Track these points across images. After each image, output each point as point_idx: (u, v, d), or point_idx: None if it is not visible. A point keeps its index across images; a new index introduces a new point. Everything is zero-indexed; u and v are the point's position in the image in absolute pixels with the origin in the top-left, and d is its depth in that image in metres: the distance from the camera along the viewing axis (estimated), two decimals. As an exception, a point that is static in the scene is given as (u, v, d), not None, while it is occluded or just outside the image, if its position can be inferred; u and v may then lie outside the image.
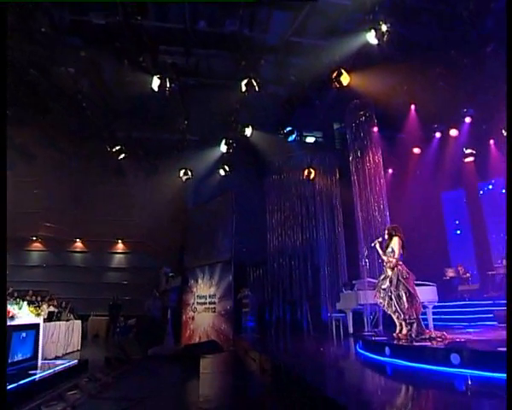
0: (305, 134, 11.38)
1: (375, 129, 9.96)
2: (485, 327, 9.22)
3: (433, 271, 11.03)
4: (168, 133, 11.05)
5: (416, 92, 9.81)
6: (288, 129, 10.75)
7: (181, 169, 12.28)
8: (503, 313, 10.38)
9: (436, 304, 8.99)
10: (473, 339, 5.10)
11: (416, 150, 12.38)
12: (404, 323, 5.13)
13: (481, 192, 13.61)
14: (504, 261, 12.39)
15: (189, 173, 12.40)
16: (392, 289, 5.20)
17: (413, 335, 5.01)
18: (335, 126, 12.49)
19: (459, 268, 12.89)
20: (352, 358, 5.63)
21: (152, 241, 13.78)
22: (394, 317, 5.28)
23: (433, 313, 8.72)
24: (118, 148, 10.61)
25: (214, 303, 10.97)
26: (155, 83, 8.28)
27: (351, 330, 8.74)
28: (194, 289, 11.83)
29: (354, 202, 10.55)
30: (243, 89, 8.49)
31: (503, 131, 11.39)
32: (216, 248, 11.51)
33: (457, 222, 14.14)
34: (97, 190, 12.33)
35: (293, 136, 10.79)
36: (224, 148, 11.07)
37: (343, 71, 8.53)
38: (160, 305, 8.45)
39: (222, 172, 12.50)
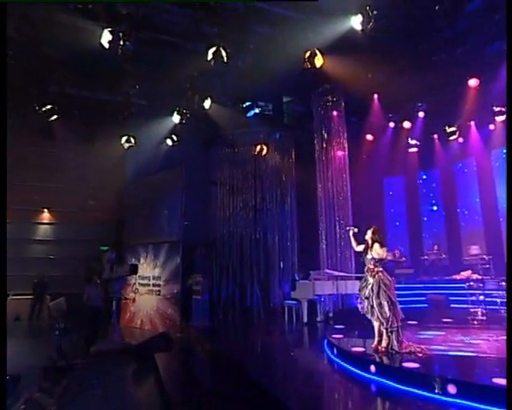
0: (263, 109, 10.70)
1: (341, 113, 9.85)
2: (419, 310, 9.97)
3: None
4: (111, 95, 9.56)
5: (380, 82, 9.70)
6: (248, 103, 10.00)
7: (123, 136, 10.91)
8: (434, 296, 11.39)
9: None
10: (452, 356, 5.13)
11: (369, 137, 12.55)
12: (385, 332, 5.07)
13: (420, 181, 14.43)
14: (436, 247, 13.48)
15: (132, 141, 11.08)
16: (374, 297, 5.08)
17: (394, 348, 4.97)
18: (292, 103, 12.00)
19: (396, 252, 13.67)
20: (328, 369, 5.45)
21: (84, 212, 12.32)
22: (376, 325, 5.20)
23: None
24: (49, 107, 8.87)
25: (159, 286, 10.25)
26: (106, 37, 6.88)
27: (305, 319, 8.75)
28: (136, 269, 10.94)
29: (314, 185, 10.49)
30: (209, 57, 7.51)
31: (446, 128, 12.07)
32: (161, 227, 10.66)
33: (393, 210, 14.89)
34: (20, 151, 10.40)
35: (253, 111, 10.06)
36: (176, 118, 9.96)
37: (318, 52, 7.98)
38: (101, 294, 7.49)
39: (169, 142, 11.39)
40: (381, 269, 5.21)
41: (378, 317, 5.05)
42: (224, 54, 7.44)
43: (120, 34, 6.89)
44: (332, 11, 7.28)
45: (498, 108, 10.53)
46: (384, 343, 5.08)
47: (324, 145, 10.78)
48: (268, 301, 10.44)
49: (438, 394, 4.03)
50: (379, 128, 11.89)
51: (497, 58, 8.55)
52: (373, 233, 5.33)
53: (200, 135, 10.90)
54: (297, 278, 9.88)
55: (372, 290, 5.10)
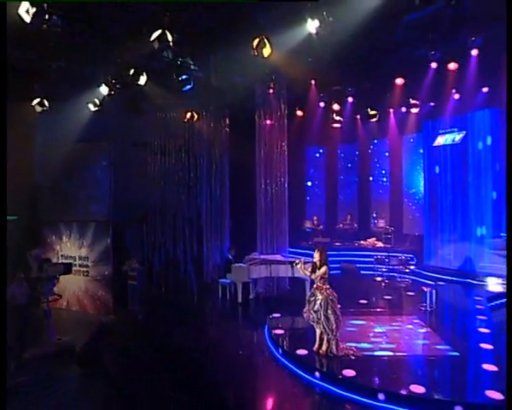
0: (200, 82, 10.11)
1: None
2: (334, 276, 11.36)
3: (293, 220, 12.31)
4: (25, 52, 8.00)
5: (319, 68, 9.87)
6: (184, 77, 9.34)
7: (35, 97, 9.40)
8: (346, 265, 12.93)
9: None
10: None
11: (299, 113, 12.89)
12: (325, 338, 5.83)
13: (342, 155, 15.52)
14: (349, 217, 15.01)
15: (46, 104, 9.62)
16: (322, 311, 5.74)
17: (333, 352, 5.78)
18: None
19: (314, 219, 14.91)
20: (275, 368, 6.11)
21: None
22: (318, 332, 5.92)
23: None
24: None
25: (87, 267, 9.75)
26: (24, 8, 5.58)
27: (239, 299, 9.34)
28: (58, 247, 10.15)
29: (250, 158, 10.67)
30: (152, 38, 6.72)
31: (369, 110, 12.98)
32: (85, 204, 9.90)
33: (317, 182, 15.92)
34: None
35: (189, 86, 9.46)
36: (104, 89, 8.86)
37: (267, 42, 7.72)
38: (27, 292, 6.92)
39: (92, 108, 10.18)
40: (328, 286, 5.84)
41: (324, 327, 5.75)
42: (169, 38, 6.73)
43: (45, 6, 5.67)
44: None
45: (414, 102, 11.64)
46: (324, 347, 5.86)
47: (260, 119, 10.91)
48: (202, 280, 10.73)
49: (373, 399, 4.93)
50: (311, 108, 12.30)
51: (422, 60, 9.38)
52: (320, 255, 5.87)
53: (130, 105, 9.90)
54: (229, 256, 10.27)
55: (321, 306, 5.74)
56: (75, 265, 9.79)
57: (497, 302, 9.00)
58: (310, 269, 6.02)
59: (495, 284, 9.72)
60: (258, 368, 6.24)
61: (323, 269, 5.80)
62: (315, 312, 5.80)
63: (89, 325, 8.41)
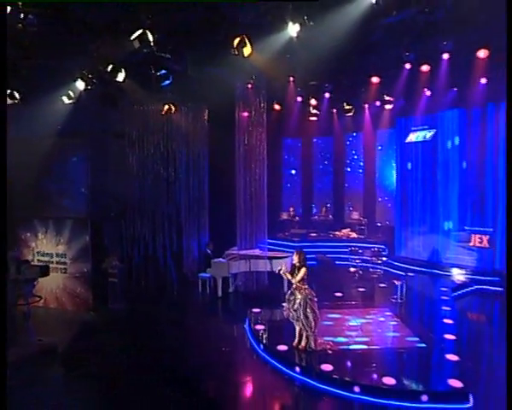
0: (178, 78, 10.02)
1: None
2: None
3: (270, 212, 12.60)
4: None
5: (297, 65, 10.01)
6: (163, 72, 9.24)
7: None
8: (322, 256, 13.37)
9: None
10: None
11: (277, 107, 13.02)
12: (304, 334, 6.17)
13: (318, 147, 15.82)
14: (324, 209, 15.43)
15: (17, 97, 9.29)
16: (302, 310, 6.05)
17: (311, 347, 6.13)
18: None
19: (290, 210, 15.24)
20: (257, 363, 6.40)
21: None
22: (297, 329, 6.25)
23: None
24: None
25: (65, 264, 9.65)
26: None
27: (220, 293, 9.57)
28: (33, 245, 9.96)
29: (228, 152, 10.82)
30: (133, 37, 6.62)
31: (345, 104, 13.27)
32: (62, 201, 9.77)
33: (294, 171, 16.19)
34: None
35: (167, 81, 9.38)
36: (81, 84, 8.64)
37: (247, 41, 7.77)
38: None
39: (66, 100, 9.90)
40: (306, 286, 6.14)
41: (303, 325, 6.08)
42: (150, 38, 6.66)
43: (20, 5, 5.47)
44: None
45: (388, 98, 12.01)
46: (303, 343, 6.21)
47: (239, 113, 11.03)
48: (181, 274, 10.84)
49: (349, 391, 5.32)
50: (289, 102, 12.46)
51: (397, 61, 9.69)
52: (299, 257, 6.17)
53: (107, 99, 9.68)
54: (208, 251, 10.42)
55: (300, 305, 6.05)
56: (52, 262, 9.68)
57: (460, 292, 9.72)
58: (290, 271, 6.29)
59: (459, 275, 10.41)
60: (240, 363, 6.51)
61: (303, 271, 6.08)
62: (294, 310, 6.11)
63: (69, 323, 8.43)
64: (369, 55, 9.39)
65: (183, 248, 11.12)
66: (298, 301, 6.09)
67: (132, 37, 6.73)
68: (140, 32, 6.62)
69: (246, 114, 11.23)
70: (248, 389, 5.93)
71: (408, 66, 9.79)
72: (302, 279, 6.12)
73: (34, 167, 9.59)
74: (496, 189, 10.24)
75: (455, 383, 5.26)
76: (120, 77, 8.27)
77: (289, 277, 6.21)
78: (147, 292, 9.84)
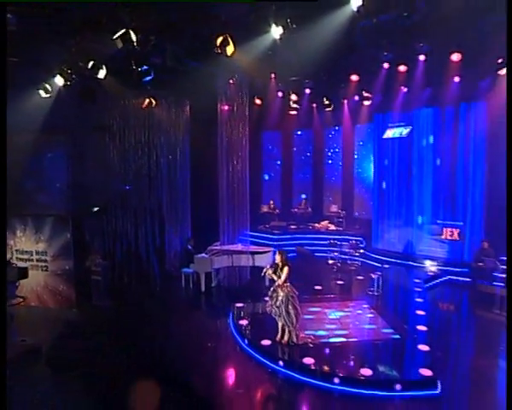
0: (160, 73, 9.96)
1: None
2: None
3: (251, 205, 12.81)
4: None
5: (278, 62, 10.13)
6: (144, 68, 9.18)
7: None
8: (301, 248, 13.72)
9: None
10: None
11: (258, 101, 13.11)
12: (287, 329, 6.47)
13: (298, 141, 16.03)
14: (304, 201, 15.73)
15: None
16: (284, 307, 6.33)
17: (294, 341, 6.44)
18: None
19: (271, 203, 15.47)
20: (242, 358, 6.65)
21: None
22: (280, 324, 6.53)
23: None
24: None
25: (45, 261, 9.57)
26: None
27: (203, 288, 9.74)
28: (11, 243, 9.80)
29: (211, 148, 10.89)
30: (115, 36, 6.56)
31: (324, 100, 13.51)
32: (41, 197, 9.64)
33: (279, 163, 16.36)
34: None
35: (149, 77, 9.33)
36: (60, 80, 8.48)
37: (230, 41, 7.83)
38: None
39: (43, 94, 9.71)
40: (288, 284, 6.41)
41: (285, 320, 6.37)
42: (133, 38, 6.62)
43: None
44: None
45: (366, 94, 12.31)
46: (286, 338, 6.51)
47: (222, 107, 11.12)
48: (164, 270, 10.93)
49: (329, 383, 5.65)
50: (270, 97, 12.59)
51: (376, 61, 9.99)
52: (281, 256, 6.46)
53: (86, 93, 9.51)
54: (189, 247, 10.53)
55: (282, 302, 6.33)
56: (32, 260, 9.60)
57: (432, 283, 10.26)
58: (273, 270, 6.52)
59: (431, 266, 10.96)
60: (226, 358, 6.74)
61: (286, 270, 6.34)
62: (277, 307, 6.38)
63: (52, 321, 8.43)
64: (349, 55, 9.62)
65: (165, 243, 11.19)
66: (280, 298, 6.36)
67: (115, 36, 6.68)
68: (123, 31, 6.57)
69: (227, 107, 11.31)
70: (234, 383, 6.16)
71: (386, 65, 10.12)
72: (285, 278, 6.38)
73: (12, 164, 9.37)
74: (466, 185, 10.80)
75: (425, 372, 5.68)
76: (101, 74, 8.19)
77: (275, 277, 6.44)
78: (130, 289, 9.89)
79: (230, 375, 6.39)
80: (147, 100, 11.50)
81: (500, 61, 9.16)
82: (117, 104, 11.09)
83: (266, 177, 16.38)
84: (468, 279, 9.99)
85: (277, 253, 6.54)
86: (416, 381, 5.63)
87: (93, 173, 10.07)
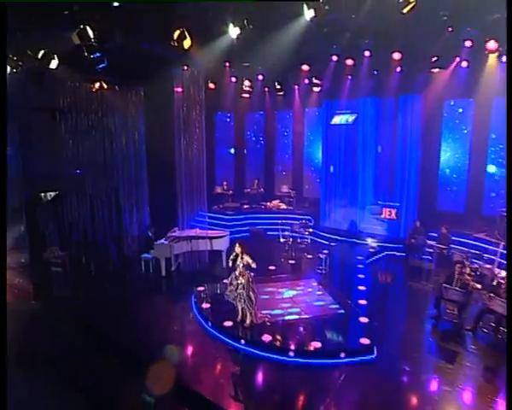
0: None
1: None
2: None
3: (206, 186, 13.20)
4: None
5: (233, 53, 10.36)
6: (97, 55, 8.96)
7: None
8: (255, 228, 14.40)
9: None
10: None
11: (212, 85, 13.26)
12: (248, 312, 7.15)
13: (250, 123, 16.39)
14: (256, 182, 16.31)
15: None
16: (245, 292, 6.99)
17: (254, 321, 7.17)
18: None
19: (224, 184, 15.89)
20: (206, 339, 7.25)
21: None
22: (240, 307, 7.19)
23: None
24: None
25: None
26: None
27: (163, 273, 10.09)
28: (-42, 235, 9.40)
29: (170, 136, 11.07)
30: (73, 34, 6.42)
31: (276, 84, 13.97)
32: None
33: (233, 149, 16.66)
34: None
35: (102, 64, 9.14)
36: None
37: (187, 35, 7.97)
38: None
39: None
40: (248, 271, 7.04)
41: (247, 304, 7.05)
42: (91, 34, 6.52)
43: None
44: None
45: (316, 81, 12.96)
46: (248, 321, 7.20)
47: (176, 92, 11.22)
48: (123, 255, 11.08)
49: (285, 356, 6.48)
50: (223, 81, 12.81)
51: (327, 53, 10.64)
52: (240, 246, 7.07)
53: (34, 77, 9.06)
54: (149, 234, 10.76)
55: (243, 287, 6.98)
56: (-17, 252, 9.32)
57: (372, 259, 11.49)
58: (233, 258, 7.10)
59: (372, 243, 12.21)
60: (192, 340, 7.27)
61: (247, 258, 6.94)
62: (239, 293, 7.02)
63: (9, 315, 8.38)
64: (301, 47, 10.09)
65: (123, 230, 11.28)
66: (241, 284, 6.99)
67: (72, 34, 6.54)
68: (80, 27, 6.47)
69: (180, 89, 11.41)
70: (200, 363, 6.72)
71: (335, 58, 10.79)
72: (244, 266, 6.99)
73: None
74: (403, 171, 12.05)
75: (364, 341, 6.69)
76: (53, 64, 7.94)
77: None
78: (91, 277, 9.99)
79: (197, 354, 6.94)
80: (97, 83, 11.24)
81: (434, 59, 10.20)
82: (67, 87, 10.73)
83: (221, 159, 16.67)
84: (403, 254, 11.33)
85: (237, 245, 7.11)
86: (357, 349, 6.62)
87: (44, 160, 9.78)
